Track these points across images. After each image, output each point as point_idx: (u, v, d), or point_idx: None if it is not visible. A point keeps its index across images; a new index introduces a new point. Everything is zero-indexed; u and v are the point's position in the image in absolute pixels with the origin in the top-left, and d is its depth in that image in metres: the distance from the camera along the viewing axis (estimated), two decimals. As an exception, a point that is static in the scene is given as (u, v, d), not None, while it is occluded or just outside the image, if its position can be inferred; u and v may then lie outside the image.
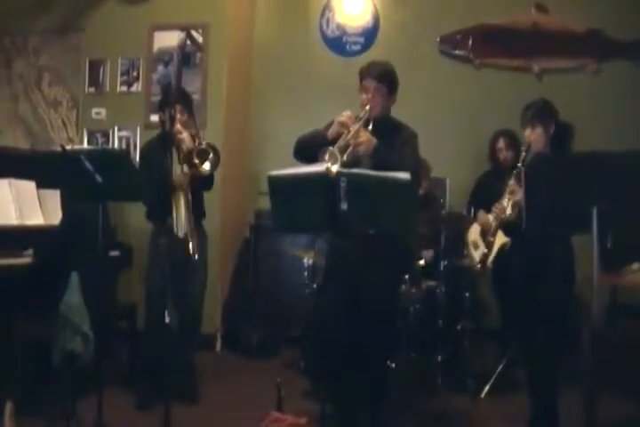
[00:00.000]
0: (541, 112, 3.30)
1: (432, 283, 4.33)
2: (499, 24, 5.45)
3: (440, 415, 3.79)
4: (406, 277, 4.25)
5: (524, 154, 3.29)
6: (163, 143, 3.79)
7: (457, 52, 5.55)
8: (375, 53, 5.56)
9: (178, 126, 3.65)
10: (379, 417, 3.32)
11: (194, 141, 3.63)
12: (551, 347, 3.23)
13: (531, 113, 3.30)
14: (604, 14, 5.28)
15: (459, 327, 4.28)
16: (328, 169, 2.55)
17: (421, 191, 4.63)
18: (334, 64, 5.63)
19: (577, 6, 5.34)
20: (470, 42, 5.50)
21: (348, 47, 5.77)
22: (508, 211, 3.34)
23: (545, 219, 2.54)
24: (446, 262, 4.28)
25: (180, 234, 3.50)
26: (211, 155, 3.58)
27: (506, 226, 3.44)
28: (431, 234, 4.41)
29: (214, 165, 3.60)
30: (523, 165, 3.25)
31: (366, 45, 5.73)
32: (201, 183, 3.76)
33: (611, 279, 3.94)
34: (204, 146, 3.58)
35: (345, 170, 2.59)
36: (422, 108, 5.47)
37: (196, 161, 3.56)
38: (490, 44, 5.50)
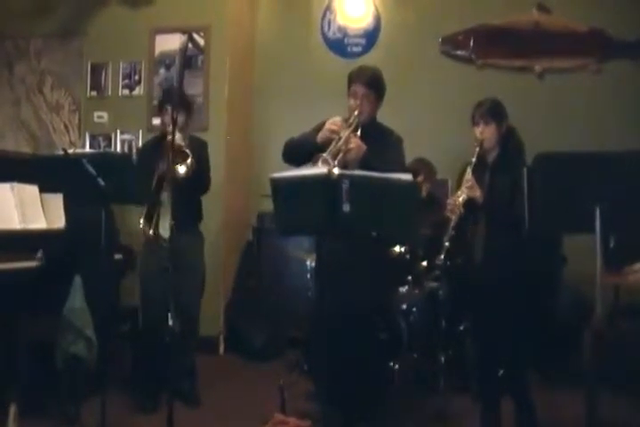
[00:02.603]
0: (495, 110, 3.30)
1: (434, 283, 4.32)
2: (500, 24, 5.45)
3: (443, 416, 3.79)
4: (409, 277, 4.25)
5: (477, 149, 3.28)
6: (156, 145, 3.82)
7: (458, 52, 5.55)
8: (376, 55, 5.58)
9: (170, 128, 3.66)
10: (381, 418, 3.32)
11: (180, 141, 3.64)
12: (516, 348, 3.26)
13: (484, 109, 3.29)
14: (606, 14, 5.27)
15: (461, 328, 4.27)
16: (330, 171, 2.55)
17: (424, 193, 4.63)
18: (336, 66, 5.61)
19: (579, 6, 5.32)
20: (472, 42, 5.50)
21: (349, 49, 5.77)
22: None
23: (547, 219, 2.53)
24: (449, 263, 4.27)
25: (165, 234, 3.46)
26: (189, 159, 3.60)
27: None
28: (434, 235, 4.40)
29: (189, 170, 3.60)
30: (476, 161, 3.26)
31: (368, 47, 5.73)
32: (191, 184, 3.73)
33: (614, 279, 3.94)
34: (184, 148, 3.60)
35: (347, 172, 2.59)
36: (424, 108, 5.49)
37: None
38: (491, 44, 5.49)
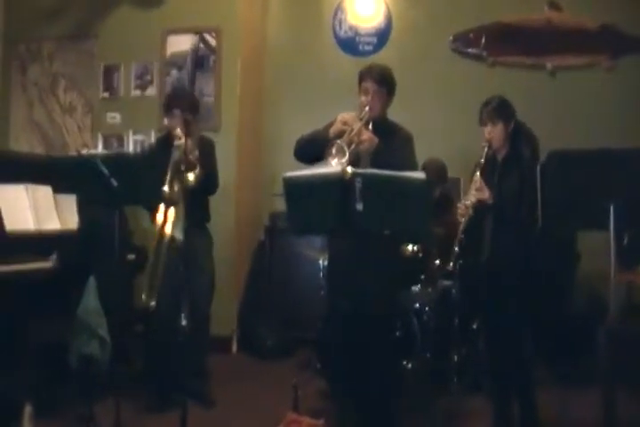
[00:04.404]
0: (502, 109, 3.27)
1: (447, 282, 4.31)
2: (512, 22, 5.43)
3: (455, 415, 3.78)
4: (422, 276, 4.25)
5: (485, 150, 3.26)
6: (164, 146, 3.81)
7: (470, 50, 5.53)
8: (388, 53, 5.57)
9: (178, 131, 3.60)
10: (394, 417, 3.31)
11: (191, 149, 3.57)
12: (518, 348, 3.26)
13: (491, 109, 3.26)
14: (617, 10, 5.25)
15: (474, 327, 4.25)
16: (343, 170, 2.55)
17: (437, 193, 4.61)
18: (347, 65, 5.61)
19: (590, 3, 5.31)
20: (483, 40, 5.48)
21: (360, 48, 5.77)
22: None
23: (560, 216, 2.53)
24: (462, 262, 4.26)
25: (179, 236, 3.43)
26: (197, 169, 3.54)
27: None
28: (447, 235, 4.39)
29: (198, 179, 3.54)
30: (484, 161, 3.24)
31: (379, 45, 5.73)
32: (199, 186, 3.66)
33: (627, 277, 3.91)
34: (193, 160, 3.54)
35: (360, 170, 2.60)
36: (435, 106, 5.48)
37: (182, 168, 3.48)
38: (503, 41, 5.47)
